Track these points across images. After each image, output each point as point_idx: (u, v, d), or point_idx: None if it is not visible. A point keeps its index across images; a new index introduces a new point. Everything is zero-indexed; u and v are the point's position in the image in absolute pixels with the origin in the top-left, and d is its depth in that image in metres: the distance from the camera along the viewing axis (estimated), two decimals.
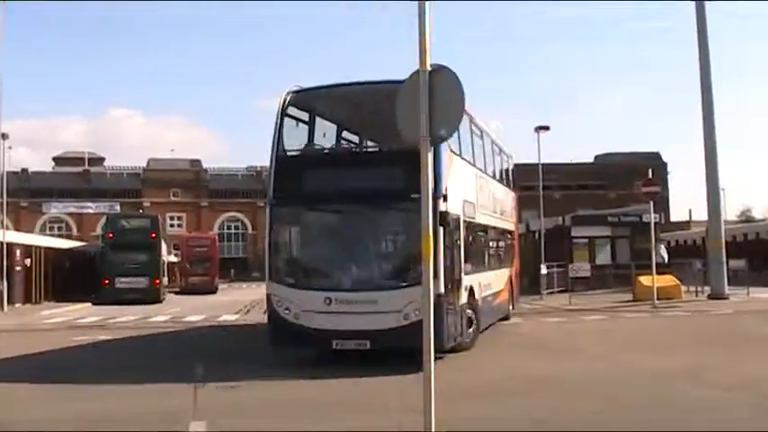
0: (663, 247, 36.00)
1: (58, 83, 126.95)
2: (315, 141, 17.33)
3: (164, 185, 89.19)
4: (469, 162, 18.34)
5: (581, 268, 34.97)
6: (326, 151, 17.32)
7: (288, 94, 16.60)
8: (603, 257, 40.58)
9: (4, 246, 35.04)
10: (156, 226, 45.89)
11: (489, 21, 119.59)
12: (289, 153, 16.30)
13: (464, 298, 16.40)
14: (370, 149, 18.33)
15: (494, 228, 21.72)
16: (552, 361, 15.68)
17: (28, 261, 39.61)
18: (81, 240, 64.72)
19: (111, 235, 44.02)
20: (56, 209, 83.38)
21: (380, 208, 15.57)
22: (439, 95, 7.96)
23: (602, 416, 10.17)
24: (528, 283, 34.26)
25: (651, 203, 30.01)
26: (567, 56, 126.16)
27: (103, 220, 55.88)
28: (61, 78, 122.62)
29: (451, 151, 15.87)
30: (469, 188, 18.08)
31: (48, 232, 74.54)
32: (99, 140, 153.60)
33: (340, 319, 14.76)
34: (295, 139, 16.71)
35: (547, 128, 39.28)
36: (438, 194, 14.22)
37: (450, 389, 10.61)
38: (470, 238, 18.16)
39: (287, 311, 15.26)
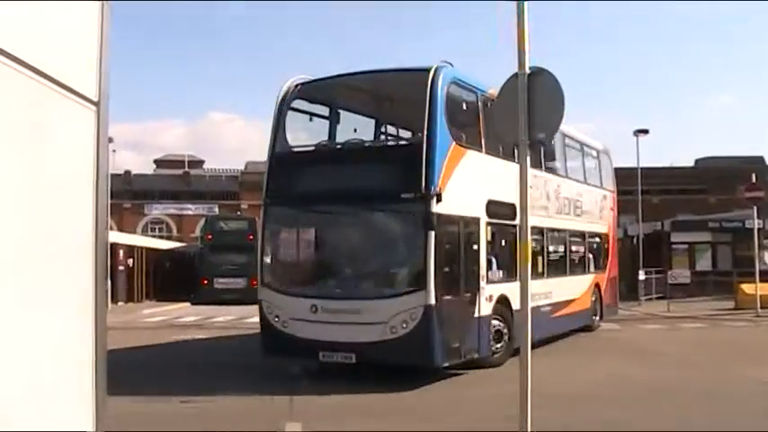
0: (767, 253, 35.02)
1: (159, 86, 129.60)
2: (317, 137, 16.21)
3: (261, 188, 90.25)
4: (502, 156, 16.20)
5: (680, 275, 34.17)
6: (315, 148, 15.88)
7: (291, 85, 15.57)
8: (704, 264, 39.69)
9: (108, 246, 36.04)
10: (254, 228, 46.24)
11: (584, 21, 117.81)
12: (281, 150, 15.28)
13: (487, 309, 14.97)
14: (359, 145, 16.20)
15: (557, 230, 19.69)
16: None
17: (130, 261, 40.67)
18: (181, 241, 66.01)
19: (210, 236, 44.67)
20: (157, 210, 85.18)
21: (367, 209, 14.50)
22: (538, 99, 7.89)
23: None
24: (626, 289, 33.70)
25: (755, 209, 29.20)
26: (666, 57, 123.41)
27: (202, 221, 56.80)
28: (162, 82, 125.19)
29: (460, 145, 14.55)
30: (503, 186, 15.69)
31: (149, 233, 76.13)
32: (198, 144, 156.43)
33: (326, 329, 13.66)
34: (296, 135, 15.73)
35: (646, 131, 38.48)
36: (429, 193, 13.22)
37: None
38: (503, 242, 16.75)
39: (276, 319, 14.36)
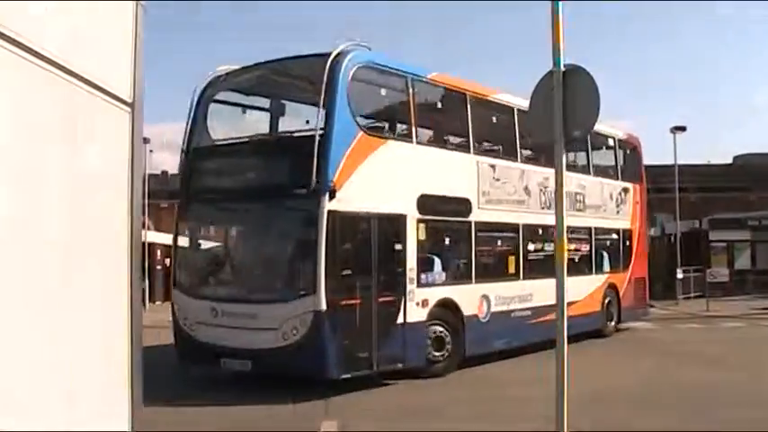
0: None
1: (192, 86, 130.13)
2: (229, 131, 15.06)
3: None
4: (451, 147, 15.75)
5: (719, 273, 33.85)
6: (221, 143, 14.82)
7: (211, 79, 14.68)
8: (743, 262, 39.27)
9: (146, 246, 36.30)
10: None
11: (621, 18, 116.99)
12: (193, 146, 14.37)
13: (418, 314, 13.72)
14: (259, 138, 14.83)
15: (540, 227, 17.44)
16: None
17: (168, 261, 40.94)
18: None
19: None
20: None
21: (264, 207, 13.51)
22: (573, 96, 7.83)
23: None
24: (663, 288, 33.45)
25: None
26: (703, 54, 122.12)
27: None
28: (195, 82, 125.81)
29: (372, 135, 13.59)
30: (445, 180, 14.90)
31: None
32: None
33: (225, 334, 12.84)
34: (209, 130, 14.74)
35: (683, 128, 38.02)
36: (322, 188, 12.11)
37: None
38: (448, 241, 15.41)
39: (185, 322, 13.66)
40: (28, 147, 2.14)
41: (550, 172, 17.16)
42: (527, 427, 9.67)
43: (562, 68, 7.87)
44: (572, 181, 18.50)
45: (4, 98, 1.98)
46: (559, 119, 7.82)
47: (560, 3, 7.87)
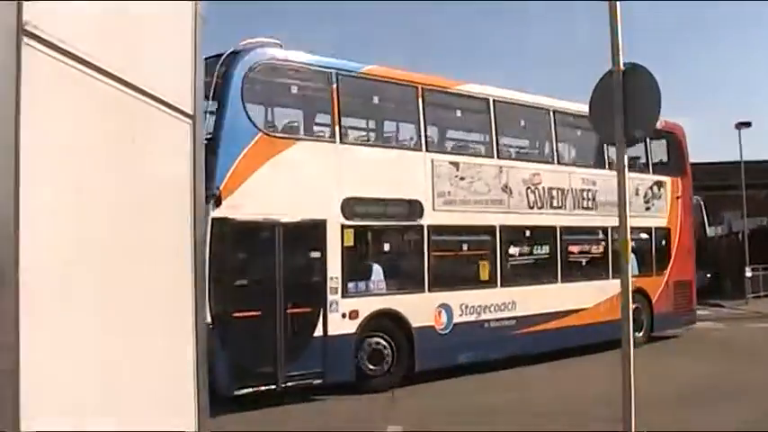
0: None
1: None
2: None
3: None
4: (393, 146, 14.86)
5: None
6: None
7: None
8: None
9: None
10: None
11: (681, 14, 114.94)
12: None
13: (345, 326, 12.78)
14: None
15: (528, 228, 16.20)
16: None
17: None
18: None
19: None
20: None
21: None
22: (633, 95, 7.78)
23: None
24: (731, 288, 32.86)
25: None
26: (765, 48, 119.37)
27: None
28: None
29: (274, 136, 12.70)
30: (380, 181, 13.75)
31: None
32: None
33: None
34: None
35: (748, 124, 37.17)
36: (209, 194, 11.03)
37: None
38: (390, 247, 14.30)
39: None
40: (94, 161, 2.21)
41: (541, 168, 16.56)
42: (594, 426, 9.62)
43: (621, 68, 7.85)
44: (577, 176, 17.25)
45: (69, 114, 2.05)
46: (620, 119, 7.78)
47: (618, 2, 7.85)
